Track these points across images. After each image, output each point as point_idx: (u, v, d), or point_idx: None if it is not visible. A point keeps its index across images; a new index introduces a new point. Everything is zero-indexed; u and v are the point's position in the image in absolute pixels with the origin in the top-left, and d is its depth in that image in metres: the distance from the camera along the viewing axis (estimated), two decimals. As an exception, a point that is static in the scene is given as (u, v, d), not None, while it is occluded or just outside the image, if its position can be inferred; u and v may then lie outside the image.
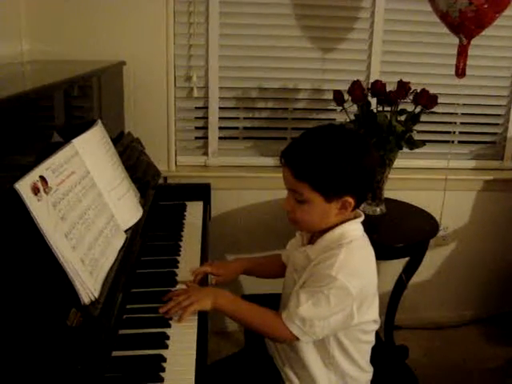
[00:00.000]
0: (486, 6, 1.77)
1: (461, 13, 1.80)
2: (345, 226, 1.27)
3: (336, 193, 1.22)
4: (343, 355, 1.31)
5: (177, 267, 1.49)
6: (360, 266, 1.26)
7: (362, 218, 1.31)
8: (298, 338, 1.23)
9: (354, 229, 1.28)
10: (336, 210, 1.24)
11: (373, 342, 1.37)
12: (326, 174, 1.20)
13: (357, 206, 1.28)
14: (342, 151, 1.21)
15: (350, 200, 1.23)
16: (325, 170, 1.20)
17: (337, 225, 1.27)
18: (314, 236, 1.33)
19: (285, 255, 1.54)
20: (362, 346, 1.35)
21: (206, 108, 2.35)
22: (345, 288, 1.18)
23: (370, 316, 1.29)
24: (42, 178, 1.03)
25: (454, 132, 2.48)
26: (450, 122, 2.43)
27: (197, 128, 2.41)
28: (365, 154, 1.24)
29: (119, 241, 1.31)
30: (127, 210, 1.46)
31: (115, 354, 1.09)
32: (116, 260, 1.23)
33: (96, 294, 1.06)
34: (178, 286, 1.38)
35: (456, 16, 1.82)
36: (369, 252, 1.31)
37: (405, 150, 2.04)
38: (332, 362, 1.31)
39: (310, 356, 1.30)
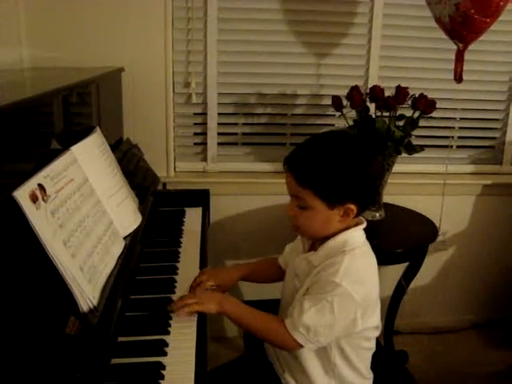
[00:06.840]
0: (472, 11, 1.76)
1: (450, 18, 1.80)
2: (347, 233, 1.26)
3: (339, 200, 1.22)
4: (344, 362, 1.31)
5: (176, 274, 1.49)
6: (363, 272, 1.26)
7: (364, 225, 1.30)
8: (302, 346, 1.23)
9: (357, 236, 1.28)
10: (338, 216, 1.24)
11: (374, 349, 1.37)
12: (330, 181, 1.20)
13: (359, 214, 1.27)
14: (346, 158, 1.21)
15: (353, 207, 1.23)
16: (328, 176, 1.20)
17: (339, 232, 1.27)
18: (316, 243, 1.33)
19: (282, 259, 1.53)
20: (364, 352, 1.35)
21: (204, 114, 2.35)
22: (349, 295, 1.18)
23: (373, 322, 1.28)
24: (41, 186, 1.02)
25: (453, 137, 2.49)
26: (449, 127, 2.44)
27: (195, 134, 2.41)
28: (369, 161, 1.23)
29: (118, 248, 1.31)
30: (126, 216, 1.45)
31: (114, 361, 1.09)
32: (115, 267, 1.23)
33: (95, 302, 1.06)
34: (178, 294, 1.37)
35: (447, 22, 1.82)
36: (371, 259, 1.31)
37: (403, 155, 2.04)
38: (333, 369, 1.31)
39: (311, 363, 1.30)
